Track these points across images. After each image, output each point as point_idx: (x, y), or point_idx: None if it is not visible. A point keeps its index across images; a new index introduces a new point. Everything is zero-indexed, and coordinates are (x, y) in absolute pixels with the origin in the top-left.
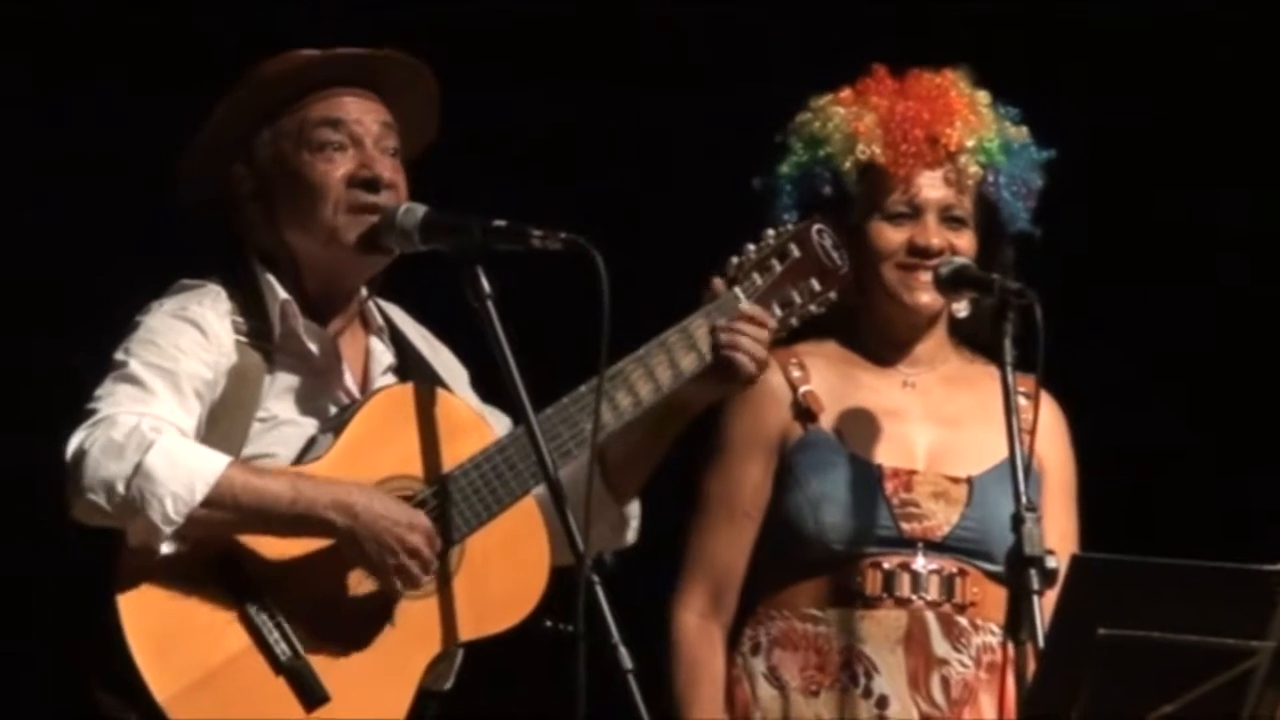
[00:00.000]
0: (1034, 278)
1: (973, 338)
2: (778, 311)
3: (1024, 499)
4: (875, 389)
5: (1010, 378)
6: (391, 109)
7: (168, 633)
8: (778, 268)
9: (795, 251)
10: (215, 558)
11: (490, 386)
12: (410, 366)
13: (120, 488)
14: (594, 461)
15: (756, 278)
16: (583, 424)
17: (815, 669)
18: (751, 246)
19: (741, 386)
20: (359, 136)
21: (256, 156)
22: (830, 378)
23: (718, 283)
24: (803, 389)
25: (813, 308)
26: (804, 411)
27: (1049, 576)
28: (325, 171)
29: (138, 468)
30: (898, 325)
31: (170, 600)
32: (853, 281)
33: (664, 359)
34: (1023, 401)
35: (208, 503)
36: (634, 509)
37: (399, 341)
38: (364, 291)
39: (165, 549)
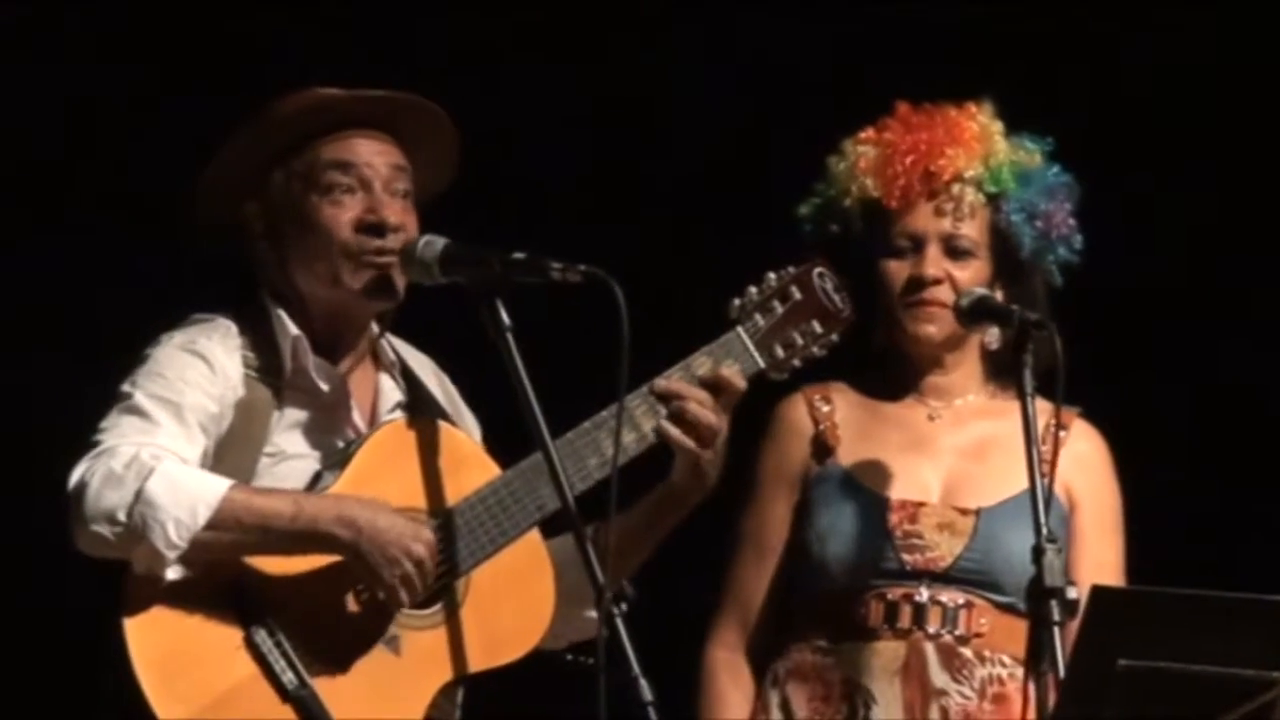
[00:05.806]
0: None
1: (1008, 369)
2: (780, 353)
3: (1044, 530)
4: (900, 422)
5: (1031, 408)
6: (407, 152)
7: (175, 659)
8: (779, 309)
9: (796, 294)
10: (220, 581)
11: (510, 418)
12: (419, 403)
13: (122, 516)
14: (615, 490)
15: (759, 319)
16: (587, 459)
17: (821, 700)
18: (754, 288)
19: (693, 456)
20: (368, 179)
21: (268, 195)
22: (857, 412)
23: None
24: (824, 424)
25: (815, 350)
26: (822, 447)
27: (1069, 608)
28: (332, 215)
29: (139, 495)
30: (916, 358)
31: (177, 626)
32: (881, 319)
33: None
34: (1061, 434)
35: (211, 525)
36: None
37: (410, 378)
38: (375, 329)
39: (171, 574)
